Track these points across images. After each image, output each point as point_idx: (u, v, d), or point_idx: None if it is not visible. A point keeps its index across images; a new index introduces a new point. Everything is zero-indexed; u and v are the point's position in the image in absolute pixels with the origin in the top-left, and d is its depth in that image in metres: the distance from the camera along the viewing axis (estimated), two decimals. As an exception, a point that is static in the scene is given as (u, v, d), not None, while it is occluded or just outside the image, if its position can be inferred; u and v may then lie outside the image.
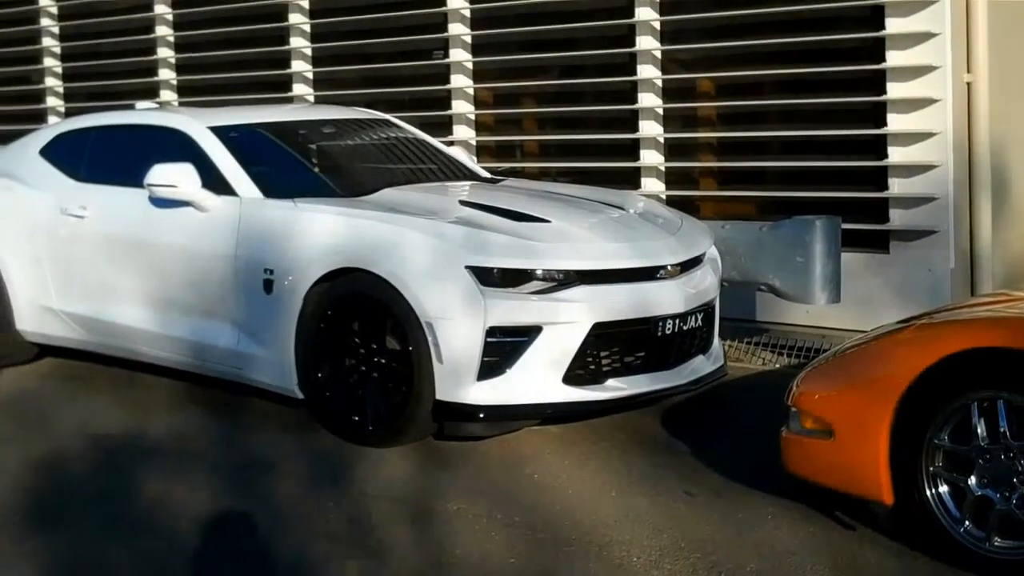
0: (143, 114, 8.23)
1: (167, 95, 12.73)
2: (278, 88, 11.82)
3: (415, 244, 6.33)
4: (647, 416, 6.84)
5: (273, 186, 7.15)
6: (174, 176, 7.11)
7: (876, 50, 8.56)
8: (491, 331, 6.13)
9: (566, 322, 6.22)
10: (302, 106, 10.87)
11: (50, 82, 13.89)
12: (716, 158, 9.63)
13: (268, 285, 6.77)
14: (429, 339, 6.16)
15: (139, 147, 7.80)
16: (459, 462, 6.25)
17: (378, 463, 6.24)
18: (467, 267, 6.18)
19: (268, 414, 7.12)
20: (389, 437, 6.42)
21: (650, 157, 9.69)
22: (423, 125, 9.21)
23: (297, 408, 6.96)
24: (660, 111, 9.65)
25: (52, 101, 13.86)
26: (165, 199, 7.23)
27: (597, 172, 9.82)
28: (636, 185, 9.68)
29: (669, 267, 6.62)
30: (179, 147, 7.45)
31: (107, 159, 8.03)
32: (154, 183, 7.14)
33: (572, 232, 6.64)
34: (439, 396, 6.20)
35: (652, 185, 9.67)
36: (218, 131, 7.50)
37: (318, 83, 11.72)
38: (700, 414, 7.03)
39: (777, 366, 8.16)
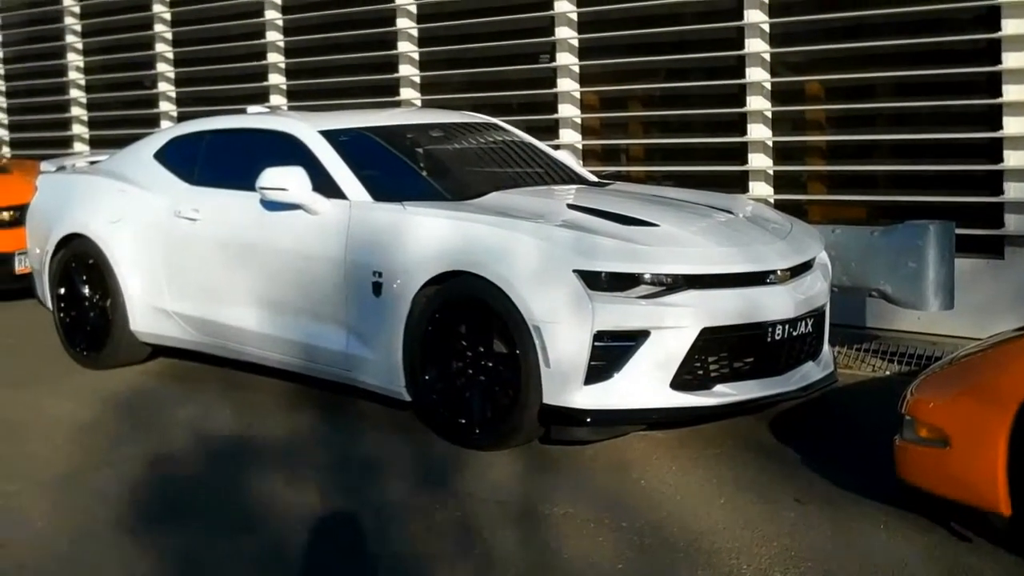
0: (254, 118, 8.32)
1: (277, 99, 12.91)
2: (386, 92, 11.93)
3: (523, 248, 6.33)
4: (755, 422, 6.77)
5: (382, 189, 7.20)
6: (285, 179, 7.18)
7: (991, 52, 8.40)
8: (598, 335, 6.10)
9: (674, 327, 6.16)
10: (410, 110, 10.93)
11: (163, 87, 14.14)
12: (826, 162, 9.52)
13: (377, 288, 6.82)
14: (536, 343, 6.15)
15: (251, 151, 7.89)
16: (565, 466, 6.24)
17: (485, 466, 6.25)
18: (575, 271, 6.16)
19: (375, 416, 7.16)
20: (496, 440, 6.43)
21: (758, 161, 9.61)
22: (529, 129, 9.22)
23: (404, 410, 7.00)
24: (769, 114, 9.56)
25: (165, 106, 14.12)
26: (276, 202, 7.31)
27: (704, 176, 9.76)
28: (744, 189, 9.61)
29: (779, 272, 6.54)
30: (290, 151, 7.52)
31: (219, 163, 8.14)
32: (265, 186, 7.22)
33: (680, 236, 6.59)
34: (546, 400, 6.19)
35: (760, 189, 9.59)
36: (328, 135, 7.56)
37: (425, 87, 11.81)
38: (810, 421, 6.93)
39: (888, 373, 8.03)
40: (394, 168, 7.75)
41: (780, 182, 9.63)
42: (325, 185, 7.25)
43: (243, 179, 7.56)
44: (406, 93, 11.85)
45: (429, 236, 6.68)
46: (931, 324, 8.33)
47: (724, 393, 6.34)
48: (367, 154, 7.66)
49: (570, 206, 7.17)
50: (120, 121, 14.55)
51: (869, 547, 5.06)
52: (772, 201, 9.35)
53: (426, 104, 11.65)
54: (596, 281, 6.16)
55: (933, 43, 8.70)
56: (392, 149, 7.85)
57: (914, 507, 5.29)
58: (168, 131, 8.91)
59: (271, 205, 7.39)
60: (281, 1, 12.88)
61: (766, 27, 9.50)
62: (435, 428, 6.72)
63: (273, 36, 12.95)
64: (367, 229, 6.97)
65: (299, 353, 7.36)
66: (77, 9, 15.12)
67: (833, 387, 7.04)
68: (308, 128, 7.65)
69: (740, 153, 9.73)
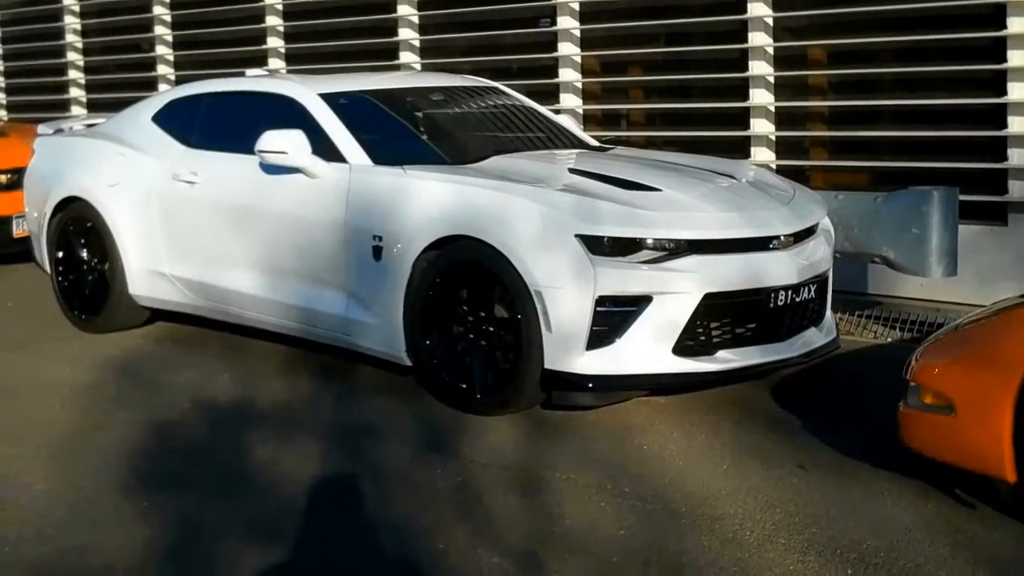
0: (254, 81, 8.25)
1: (275, 63, 12.80)
2: (385, 56, 11.83)
3: (525, 212, 6.28)
4: (757, 389, 6.74)
5: (382, 153, 7.13)
6: (284, 142, 7.12)
7: (996, 17, 8.32)
8: (600, 300, 6.06)
9: (676, 292, 6.12)
10: (411, 73, 10.86)
11: (160, 50, 14.04)
12: (828, 127, 9.46)
13: (377, 252, 6.77)
14: (538, 308, 6.11)
15: (250, 114, 7.82)
16: (567, 432, 6.21)
17: (486, 431, 6.22)
18: (577, 235, 6.11)
19: (375, 381, 7.13)
20: (497, 405, 6.40)
21: (761, 126, 9.54)
22: (530, 93, 9.13)
23: (404, 375, 6.97)
24: (771, 79, 9.48)
25: (163, 69, 14.01)
26: (275, 165, 7.25)
27: (706, 141, 9.68)
28: (746, 154, 9.54)
29: (782, 237, 6.50)
30: (289, 114, 7.46)
31: (218, 125, 8.07)
32: (264, 149, 7.15)
33: (683, 201, 6.55)
34: (548, 365, 6.16)
35: (762, 155, 9.53)
36: (328, 98, 7.49)
37: (425, 51, 11.71)
38: (812, 387, 6.90)
39: (889, 340, 8.00)
40: (394, 131, 7.69)
41: (782, 148, 9.56)
42: (325, 148, 7.19)
43: (242, 142, 7.51)
44: (405, 57, 11.74)
45: (430, 200, 6.63)
46: (933, 291, 8.28)
47: (726, 359, 6.31)
48: (367, 117, 7.60)
49: (572, 170, 7.12)
50: (117, 84, 14.46)
51: (873, 513, 5.04)
52: (774, 167, 9.28)
53: (426, 68, 11.55)
54: (598, 246, 6.11)
55: (937, 7, 8.61)
56: (392, 112, 7.79)
57: (918, 474, 5.28)
58: (166, 94, 8.83)
59: (270, 168, 7.33)
60: (280, -36, 12.78)
61: (769, -10, 9.42)
62: (435, 393, 6.69)
63: (271, -1, 12.86)
64: (367, 193, 6.92)
65: (298, 317, 7.32)
66: (74, -29, 15.01)
67: (835, 353, 7.00)
68: (308, 91, 7.58)
69: (742, 118, 9.65)
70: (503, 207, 6.36)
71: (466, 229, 6.42)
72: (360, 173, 7.01)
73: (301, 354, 7.68)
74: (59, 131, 9.35)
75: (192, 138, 8.07)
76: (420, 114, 7.87)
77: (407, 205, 6.70)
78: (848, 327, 8.15)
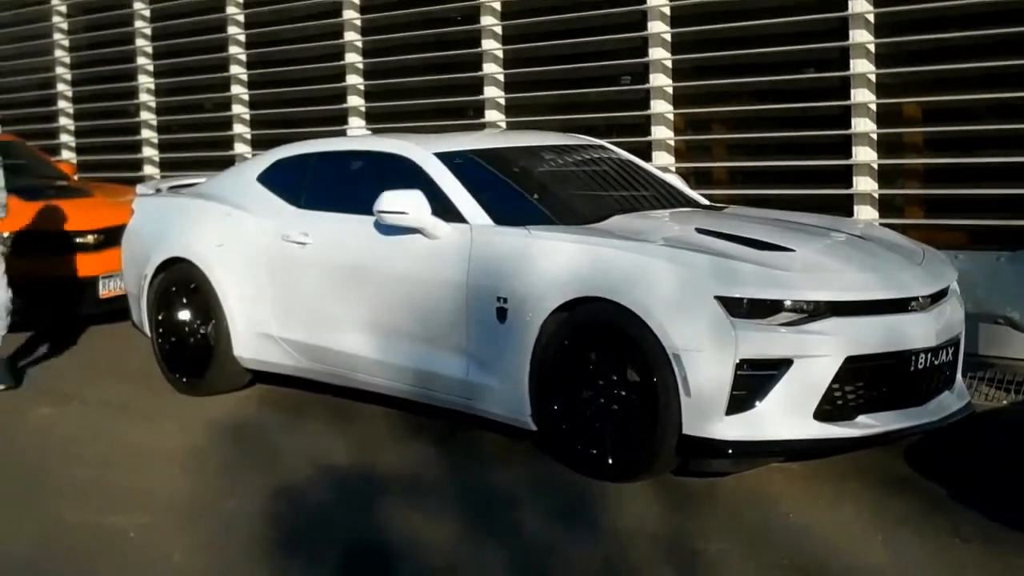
0: (364, 140, 8.20)
1: (356, 122, 12.76)
2: (466, 115, 11.76)
3: (661, 273, 6.15)
4: (889, 454, 6.55)
5: (502, 213, 7.03)
6: (404, 203, 7.02)
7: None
8: (741, 364, 5.91)
9: (817, 355, 5.96)
10: (518, 132, 10.70)
11: (237, 109, 14.02)
12: (933, 185, 9.32)
13: (501, 313, 6.64)
14: (676, 371, 5.96)
15: (362, 173, 7.75)
16: (706, 499, 6.04)
17: (622, 499, 6.05)
18: (716, 297, 5.97)
19: (494, 445, 6.98)
20: (630, 472, 6.24)
21: (864, 184, 9.40)
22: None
23: (523, 440, 6.81)
24: (874, 136, 9.36)
25: (239, 128, 13.98)
26: (392, 226, 7.14)
27: (807, 199, 9.55)
28: (848, 213, 9.40)
29: (920, 299, 6.34)
30: (403, 173, 7.36)
31: (329, 186, 7.97)
32: (384, 210, 7.05)
33: (819, 262, 6.41)
34: (686, 430, 6.00)
35: (865, 213, 9.39)
36: (443, 157, 7.40)
37: (510, 109, 11.64)
38: (945, 452, 6.70)
39: (1004, 403, 7.80)
40: (510, 191, 7.55)
41: (886, 207, 9.42)
42: (442, 208, 7.08)
43: (355, 202, 7.43)
44: (491, 115, 11.68)
45: (559, 261, 6.50)
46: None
47: (867, 424, 6.13)
48: (482, 177, 7.47)
49: (698, 230, 6.97)
50: (192, 143, 14.45)
51: (1050, 587, 4.86)
52: (877, 226, 9.14)
53: (511, 127, 11.48)
54: (737, 308, 5.97)
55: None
56: (506, 172, 7.68)
57: (1093, 545, 5.09)
58: (271, 154, 8.72)
59: (386, 229, 7.23)
60: (360, 22, 12.76)
61: (872, 47, 9.31)
62: (562, 458, 6.51)
63: (352, 58, 12.82)
64: (491, 254, 6.80)
65: (415, 380, 7.18)
66: (148, 31, 15.05)
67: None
68: (423, 150, 7.49)
69: (844, 176, 9.52)
70: (638, 268, 6.23)
71: (599, 291, 6.29)
72: (482, 234, 6.90)
73: (405, 417, 7.52)
74: (158, 191, 9.29)
75: (301, 198, 7.96)
76: (534, 173, 7.76)
77: (534, 266, 6.58)
78: (964, 389, 7.96)
